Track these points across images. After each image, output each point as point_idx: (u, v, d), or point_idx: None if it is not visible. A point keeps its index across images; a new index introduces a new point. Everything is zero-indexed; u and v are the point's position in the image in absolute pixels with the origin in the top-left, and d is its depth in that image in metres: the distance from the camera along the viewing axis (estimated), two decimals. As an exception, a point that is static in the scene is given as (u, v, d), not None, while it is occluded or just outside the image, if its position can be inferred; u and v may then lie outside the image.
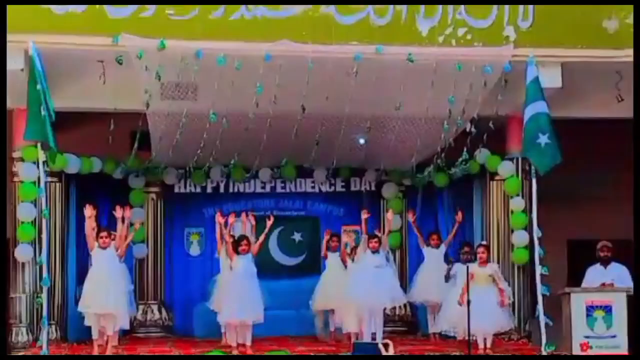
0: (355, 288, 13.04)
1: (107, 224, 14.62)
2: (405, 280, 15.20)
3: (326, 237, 14.12)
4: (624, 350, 11.97)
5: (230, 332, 13.02)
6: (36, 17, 11.70)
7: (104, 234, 12.65)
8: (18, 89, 11.63)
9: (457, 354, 12.35)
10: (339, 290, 13.43)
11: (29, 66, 11.39)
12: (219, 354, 12.02)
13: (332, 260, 13.96)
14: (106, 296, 12.37)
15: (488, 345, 12.66)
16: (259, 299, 12.78)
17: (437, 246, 14.36)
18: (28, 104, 11.29)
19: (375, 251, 13.17)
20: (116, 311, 12.42)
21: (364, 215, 13.39)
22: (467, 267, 12.26)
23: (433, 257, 14.32)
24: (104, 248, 12.51)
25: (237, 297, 12.74)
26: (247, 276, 12.79)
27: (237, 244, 13.00)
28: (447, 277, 13.37)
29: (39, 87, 11.13)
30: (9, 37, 11.33)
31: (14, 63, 11.61)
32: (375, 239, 13.50)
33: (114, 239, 12.68)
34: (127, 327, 12.95)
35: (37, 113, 11.18)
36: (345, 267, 13.55)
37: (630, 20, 12.56)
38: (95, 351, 12.20)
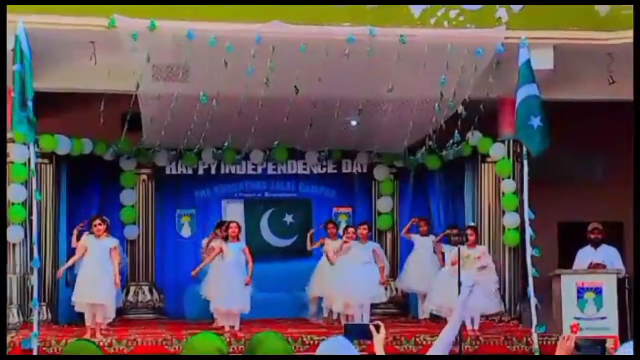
0: (342, 282, 13.10)
1: (98, 207, 14.65)
2: (397, 262, 15.24)
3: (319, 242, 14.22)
4: (614, 332, 12.02)
5: (221, 316, 13.09)
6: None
7: (97, 221, 12.62)
8: (8, 70, 11.57)
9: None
10: (329, 278, 13.49)
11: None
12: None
13: (331, 248, 13.96)
14: (97, 287, 12.43)
15: (475, 327, 12.72)
16: (246, 289, 12.82)
17: (426, 234, 14.39)
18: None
19: (362, 240, 13.28)
20: (106, 301, 12.49)
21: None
22: (459, 248, 12.31)
23: (422, 246, 14.34)
24: (98, 236, 12.51)
25: (226, 286, 12.82)
26: (237, 265, 12.83)
27: (226, 229, 13.04)
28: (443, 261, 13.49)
29: (15, 67, 11.04)
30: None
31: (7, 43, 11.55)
32: (364, 226, 13.55)
33: (107, 228, 12.69)
34: (113, 316, 12.93)
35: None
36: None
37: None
38: (88, 334, 12.22)
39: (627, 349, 5.56)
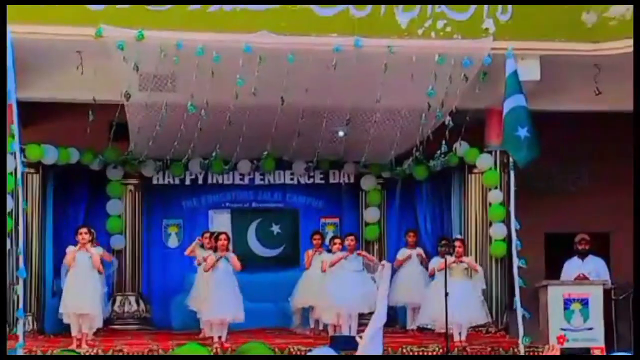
0: (334, 292, 13.09)
1: (84, 217, 14.60)
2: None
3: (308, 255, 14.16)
4: (600, 343, 12.03)
5: (209, 326, 13.04)
6: (15, 7, 11.59)
7: (83, 230, 12.59)
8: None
9: (436, 346, 12.42)
10: (319, 289, 13.45)
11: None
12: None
13: (315, 258, 13.93)
14: (83, 297, 12.43)
15: (463, 338, 12.72)
16: (238, 298, 12.79)
17: (414, 246, 14.36)
18: None
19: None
20: (92, 312, 12.47)
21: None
22: (445, 259, 12.33)
23: (410, 259, 14.30)
24: (83, 246, 12.48)
25: (216, 296, 12.75)
26: (227, 275, 12.79)
27: (216, 240, 13.02)
28: (432, 275, 13.44)
29: None
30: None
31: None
32: (352, 237, 13.54)
33: (93, 238, 12.70)
34: (100, 325, 12.92)
35: None
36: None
37: (608, 14, 12.58)
38: (74, 344, 12.19)
39: (614, 359, 5.57)
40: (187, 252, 13.99)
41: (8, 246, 12.65)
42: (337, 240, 13.57)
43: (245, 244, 15.40)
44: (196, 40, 11.60)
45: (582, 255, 13.25)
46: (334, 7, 12.21)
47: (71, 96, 12.96)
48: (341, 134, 13.99)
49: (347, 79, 12.04)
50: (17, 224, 12.12)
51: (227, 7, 12.03)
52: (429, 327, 13.42)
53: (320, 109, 12.77)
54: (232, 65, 11.51)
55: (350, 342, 9.62)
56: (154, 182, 15.49)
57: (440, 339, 12.57)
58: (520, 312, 12.09)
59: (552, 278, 13.12)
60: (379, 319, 7.40)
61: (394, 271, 14.16)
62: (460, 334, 12.73)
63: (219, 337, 12.66)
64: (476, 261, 13.48)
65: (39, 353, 11.84)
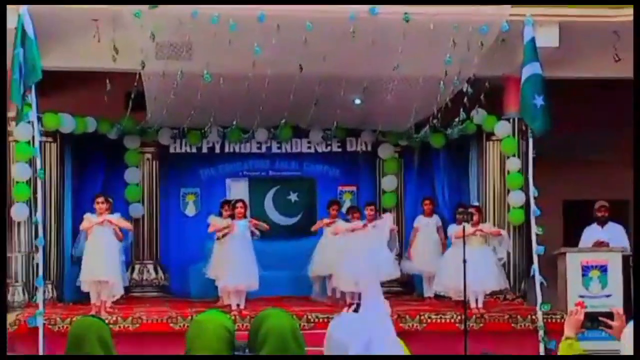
0: (351, 260, 13.08)
1: (102, 186, 14.64)
2: (402, 241, 15.20)
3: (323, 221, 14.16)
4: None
5: (227, 294, 13.08)
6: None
7: (100, 199, 12.65)
8: (11, 49, 11.56)
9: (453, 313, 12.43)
10: (337, 257, 13.44)
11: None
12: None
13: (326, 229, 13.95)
14: (101, 264, 12.52)
15: (480, 305, 12.71)
16: (253, 266, 12.82)
17: (431, 214, 14.32)
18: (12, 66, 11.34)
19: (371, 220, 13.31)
20: (111, 279, 12.56)
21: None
22: (464, 226, 12.30)
23: (427, 227, 14.27)
24: (100, 215, 12.55)
25: (231, 263, 12.79)
26: (242, 242, 12.81)
27: (233, 207, 13.03)
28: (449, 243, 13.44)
29: (16, 50, 11.08)
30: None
31: (9, 22, 11.53)
32: (372, 207, 13.51)
33: (110, 207, 12.75)
34: (121, 292, 13.01)
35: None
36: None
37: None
38: (93, 312, 12.27)
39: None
40: (214, 233, 13.89)
41: (27, 214, 12.77)
42: (357, 215, 13.58)
43: (262, 212, 15.39)
44: (213, 8, 11.55)
45: (602, 222, 13.21)
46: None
47: (88, 65, 12.96)
48: (358, 102, 13.94)
49: (364, 47, 11.97)
50: (35, 192, 12.18)
51: (243, -25, 11.99)
52: (443, 294, 13.44)
53: (337, 77, 12.71)
54: (249, 33, 11.46)
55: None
56: (171, 150, 15.50)
57: (458, 306, 12.57)
58: (538, 279, 12.07)
59: (570, 245, 13.10)
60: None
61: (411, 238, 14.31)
62: (477, 300, 12.73)
63: (237, 305, 12.72)
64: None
65: (59, 320, 11.92)
